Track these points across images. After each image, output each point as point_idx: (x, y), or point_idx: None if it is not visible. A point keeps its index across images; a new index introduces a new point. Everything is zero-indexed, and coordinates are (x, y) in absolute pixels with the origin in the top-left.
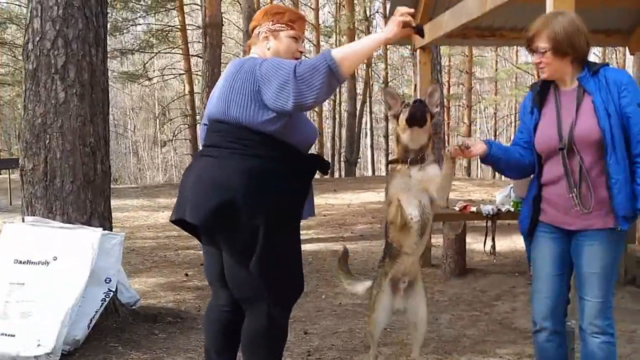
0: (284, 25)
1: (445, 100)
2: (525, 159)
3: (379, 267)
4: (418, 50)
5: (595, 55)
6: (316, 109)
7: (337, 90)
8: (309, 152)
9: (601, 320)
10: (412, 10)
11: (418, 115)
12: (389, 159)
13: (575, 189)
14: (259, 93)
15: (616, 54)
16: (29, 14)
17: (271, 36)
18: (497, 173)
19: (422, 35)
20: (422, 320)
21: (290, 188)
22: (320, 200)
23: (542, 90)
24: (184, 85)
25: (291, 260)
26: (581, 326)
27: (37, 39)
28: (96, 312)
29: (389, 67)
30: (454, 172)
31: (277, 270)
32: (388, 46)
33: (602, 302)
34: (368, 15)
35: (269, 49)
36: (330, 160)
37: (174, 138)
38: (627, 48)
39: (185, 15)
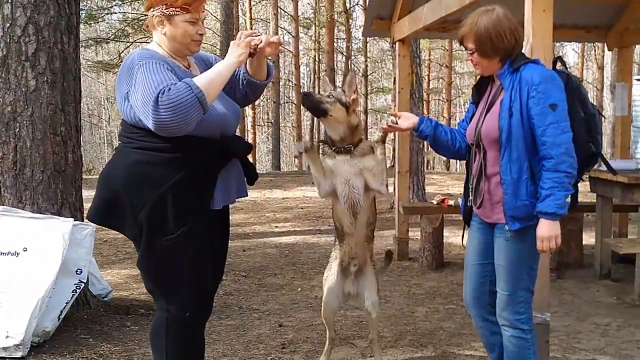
0: (178, 10)
1: (425, 94)
2: (456, 144)
3: (332, 251)
4: (397, 43)
5: (574, 50)
6: (295, 101)
7: (316, 82)
8: (232, 135)
9: (509, 313)
10: (254, 31)
11: (307, 107)
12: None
13: (472, 184)
14: (128, 97)
15: (595, 50)
16: None
17: (166, 21)
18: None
19: (252, 56)
20: (373, 305)
21: (182, 179)
22: (298, 192)
23: (481, 84)
24: None
25: (183, 259)
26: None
27: (7, 25)
28: (67, 303)
29: (368, 59)
30: (385, 157)
31: (162, 270)
32: (367, 39)
33: (509, 296)
34: (348, 8)
35: (164, 34)
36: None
37: None
38: (605, 44)
39: None
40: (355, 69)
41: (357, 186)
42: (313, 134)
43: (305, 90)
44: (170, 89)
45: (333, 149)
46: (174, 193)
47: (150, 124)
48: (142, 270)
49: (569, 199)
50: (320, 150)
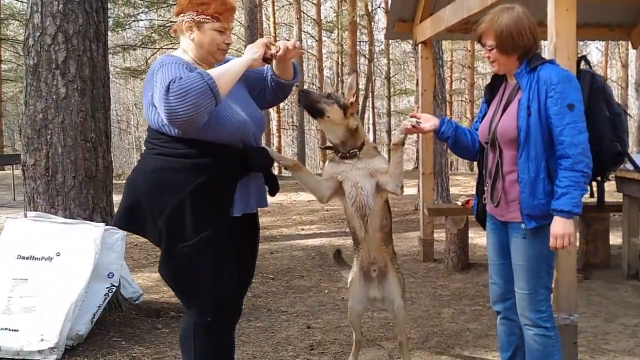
0: (209, 17)
1: (447, 95)
2: (476, 145)
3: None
4: (420, 45)
5: (597, 49)
6: None
7: (339, 84)
8: (256, 146)
9: (530, 312)
10: (271, 38)
11: (302, 106)
12: (325, 145)
13: (488, 183)
14: (154, 100)
15: (619, 48)
16: (29, 9)
17: (195, 27)
18: None
19: (269, 62)
20: (398, 309)
21: (200, 185)
22: None
23: (494, 83)
24: None
25: (202, 265)
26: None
27: (38, 34)
28: (99, 307)
29: (391, 62)
30: (403, 158)
31: (181, 276)
32: (390, 41)
33: (529, 295)
34: (370, 11)
35: (192, 40)
36: None
37: None
38: (629, 42)
39: None
40: (378, 71)
41: (365, 188)
42: None
43: (304, 88)
44: (181, 77)
45: (339, 155)
46: (192, 199)
47: (163, 115)
48: (163, 276)
49: (584, 199)
50: (327, 156)
